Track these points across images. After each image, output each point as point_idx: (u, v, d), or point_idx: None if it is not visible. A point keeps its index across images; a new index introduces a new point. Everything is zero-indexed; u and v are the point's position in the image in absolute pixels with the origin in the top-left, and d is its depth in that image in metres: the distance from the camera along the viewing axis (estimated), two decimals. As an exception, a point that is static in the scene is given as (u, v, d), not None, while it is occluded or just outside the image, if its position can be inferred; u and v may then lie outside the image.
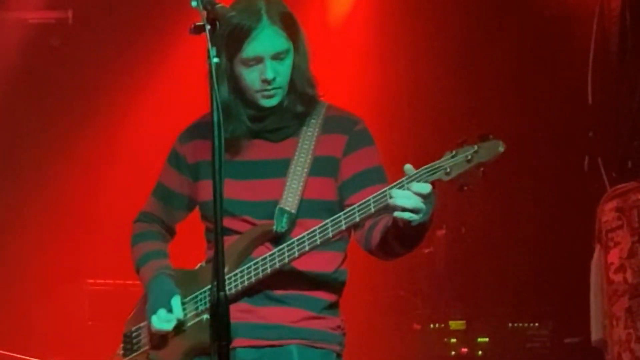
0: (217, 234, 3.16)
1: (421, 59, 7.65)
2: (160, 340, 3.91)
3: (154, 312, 3.85)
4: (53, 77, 7.71)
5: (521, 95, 7.51)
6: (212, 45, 3.23)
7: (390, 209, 3.48)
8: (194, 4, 3.27)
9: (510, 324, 7.14)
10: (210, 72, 3.22)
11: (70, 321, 7.06)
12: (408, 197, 3.42)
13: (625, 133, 6.22)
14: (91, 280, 7.18)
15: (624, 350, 5.64)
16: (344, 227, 3.60)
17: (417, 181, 3.43)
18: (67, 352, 6.69)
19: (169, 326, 3.83)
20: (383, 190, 3.51)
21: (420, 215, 3.45)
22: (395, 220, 3.51)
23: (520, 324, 7.13)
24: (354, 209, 3.56)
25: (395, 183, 3.49)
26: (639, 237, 5.63)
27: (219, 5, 3.31)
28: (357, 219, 3.56)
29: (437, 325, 7.18)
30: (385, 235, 3.64)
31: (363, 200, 3.55)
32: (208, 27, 3.24)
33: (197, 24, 3.28)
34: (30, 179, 7.59)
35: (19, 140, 7.66)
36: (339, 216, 3.60)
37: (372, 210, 3.52)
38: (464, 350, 7.13)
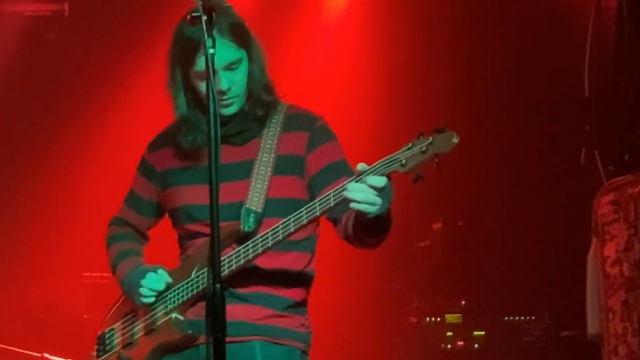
0: (212, 222, 3.17)
1: (416, 55, 7.64)
2: (130, 339, 3.98)
3: (143, 277, 3.89)
4: (48, 70, 7.70)
5: (518, 89, 7.51)
6: (209, 36, 3.23)
7: (348, 202, 3.52)
8: (189, -6, 3.27)
9: (506, 318, 7.15)
10: (207, 62, 3.22)
11: (66, 314, 7.05)
12: (363, 190, 3.47)
13: (622, 126, 6.22)
14: (87, 274, 7.17)
15: (620, 344, 5.65)
16: (305, 222, 3.61)
17: (374, 174, 3.47)
18: (63, 345, 6.68)
19: (160, 286, 3.87)
20: (342, 184, 3.54)
21: (376, 207, 3.49)
22: (356, 213, 3.57)
23: (517, 318, 7.14)
24: (314, 203, 3.60)
25: (353, 177, 3.52)
26: (635, 231, 5.63)
27: (216, -5, 3.31)
28: (318, 213, 3.59)
29: (433, 318, 7.19)
30: (354, 227, 3.70)
31: (324, 195, 3.59)
32: (204, 17, 3.24)
33: (193, 14, 3.28)
34: (27, 171, 7.58)
35: (14, 133, 7.65)
36: (300, 211, 3.62)
37: (332, 204, 3.56)
38: (460, 343, 7.13)
